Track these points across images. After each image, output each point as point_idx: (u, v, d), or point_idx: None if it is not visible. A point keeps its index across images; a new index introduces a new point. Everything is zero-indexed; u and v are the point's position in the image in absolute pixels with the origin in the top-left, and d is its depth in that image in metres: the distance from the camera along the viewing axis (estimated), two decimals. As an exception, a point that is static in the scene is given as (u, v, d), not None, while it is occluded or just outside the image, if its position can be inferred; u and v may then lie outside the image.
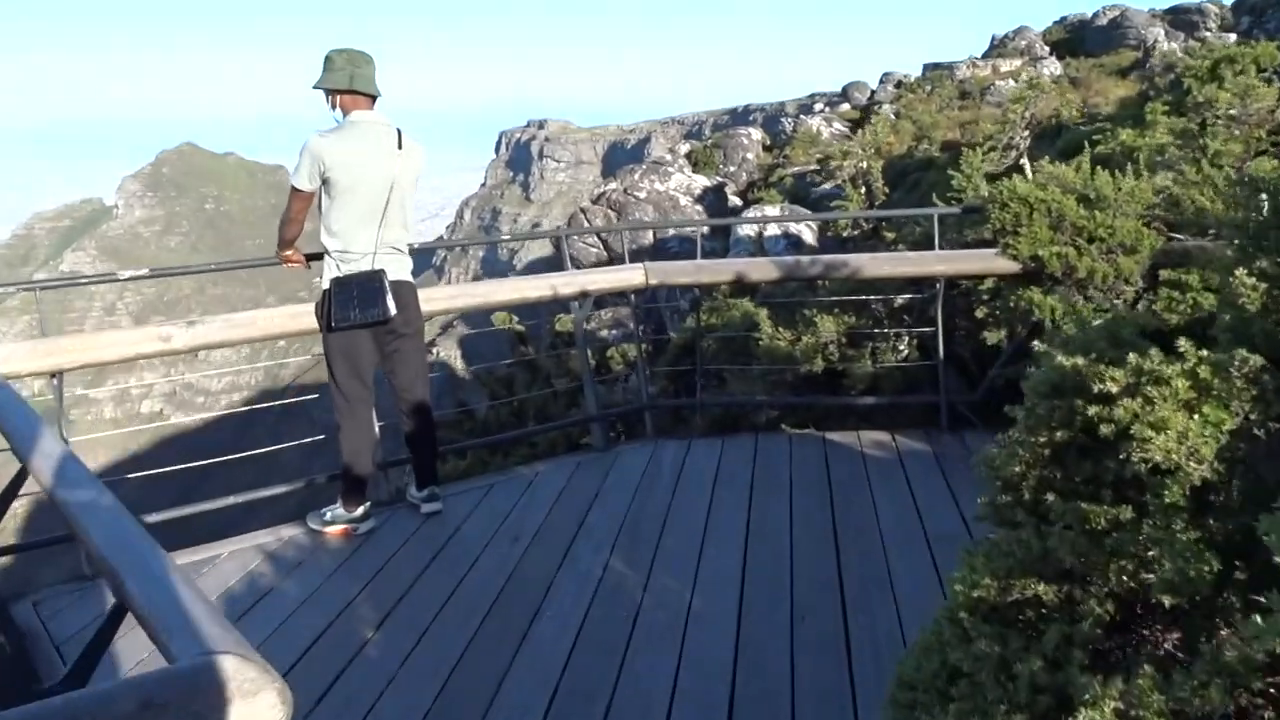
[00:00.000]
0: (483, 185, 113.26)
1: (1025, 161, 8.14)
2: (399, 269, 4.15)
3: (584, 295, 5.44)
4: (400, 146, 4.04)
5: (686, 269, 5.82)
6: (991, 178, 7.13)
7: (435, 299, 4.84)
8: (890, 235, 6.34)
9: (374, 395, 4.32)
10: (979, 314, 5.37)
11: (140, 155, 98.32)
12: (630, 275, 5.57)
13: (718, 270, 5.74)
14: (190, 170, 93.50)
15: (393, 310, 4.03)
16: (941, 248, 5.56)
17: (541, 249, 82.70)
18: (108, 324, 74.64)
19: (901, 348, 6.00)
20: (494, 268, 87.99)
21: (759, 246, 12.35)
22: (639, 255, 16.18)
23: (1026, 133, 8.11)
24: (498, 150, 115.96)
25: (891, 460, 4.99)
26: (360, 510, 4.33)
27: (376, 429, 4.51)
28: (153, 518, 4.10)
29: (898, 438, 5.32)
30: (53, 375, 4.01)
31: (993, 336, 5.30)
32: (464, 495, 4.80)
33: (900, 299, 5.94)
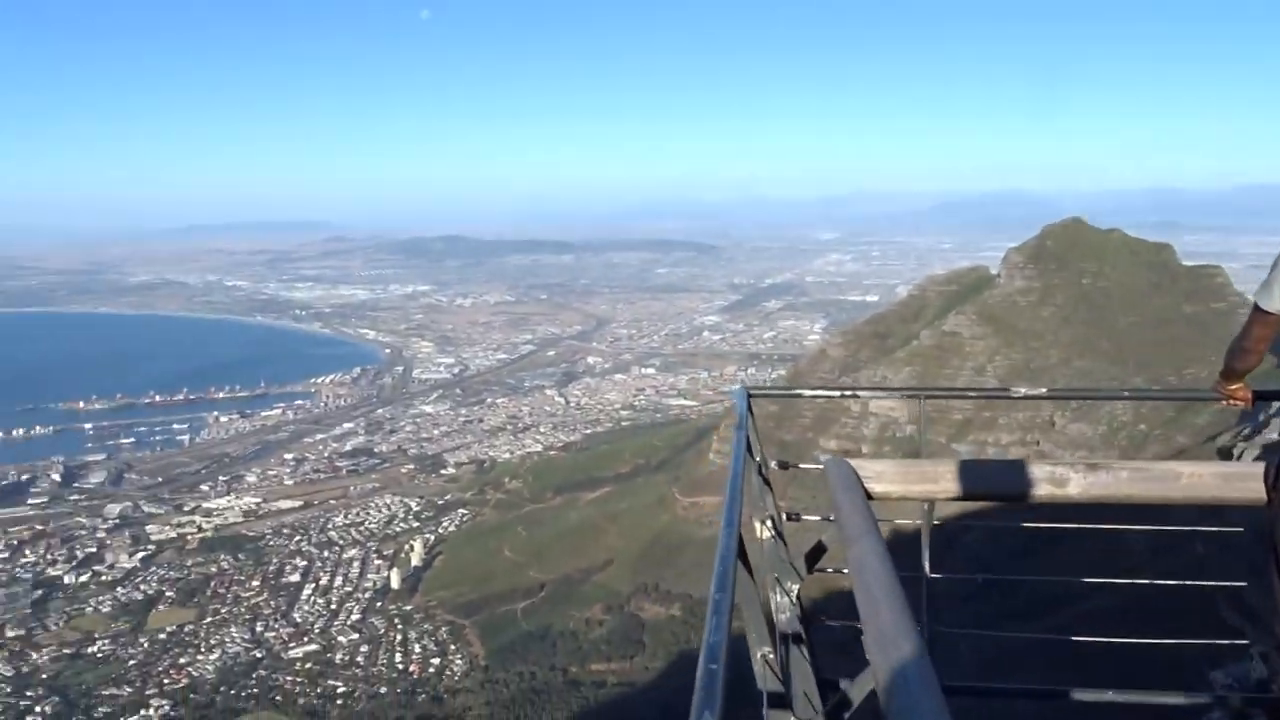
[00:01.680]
0: None
1: None
2: None
3: None
4: None
5: None
6: None
7: None
8: None
9: None
10: None
11: (1027, 230, 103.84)
12: None
13: None
14: (1073, 245, 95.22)
15: None
16: None
17: None
18: (975, 382, 79.79)
19: None
20: None
21: None
22: None
23: None
24: None
25: None
26: None
27: None
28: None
29: None
30: (924, 502, 3.65)
31: None
32: None
33: None
